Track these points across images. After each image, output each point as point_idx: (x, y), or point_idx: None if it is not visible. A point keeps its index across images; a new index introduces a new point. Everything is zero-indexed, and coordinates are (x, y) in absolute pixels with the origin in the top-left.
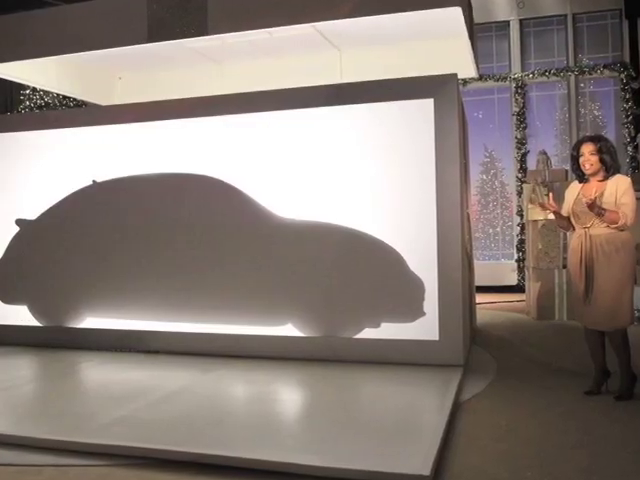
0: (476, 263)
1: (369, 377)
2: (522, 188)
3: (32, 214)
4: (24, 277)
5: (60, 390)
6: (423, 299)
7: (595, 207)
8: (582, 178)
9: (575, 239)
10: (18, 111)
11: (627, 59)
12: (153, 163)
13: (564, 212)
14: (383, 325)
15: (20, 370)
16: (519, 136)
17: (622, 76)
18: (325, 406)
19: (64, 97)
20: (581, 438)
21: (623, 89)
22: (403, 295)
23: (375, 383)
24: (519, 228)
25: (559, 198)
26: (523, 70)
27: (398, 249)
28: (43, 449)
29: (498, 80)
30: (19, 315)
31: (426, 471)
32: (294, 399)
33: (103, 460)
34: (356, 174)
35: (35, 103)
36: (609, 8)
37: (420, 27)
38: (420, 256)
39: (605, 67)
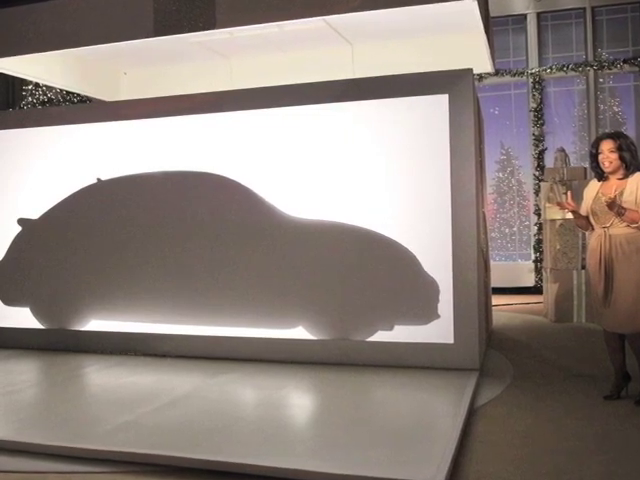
0: (492, 264)
1: (382, 381)
2: (539, 186)
3: (35, 213)
4: (26, 278)
5: (63, 395)
6: (438, 301)
7: (615, 206)
8: (601, 176)
9: (594, 239)
10: (20, 107)
11: None
12: (159, 161)
13: (583, 211)
14: (397, 328)
15: (22, 374)
16: (536, 133)
17: None
18: (337, 411)
19: (68, 93)
20: (600, 444)
21: None
22: (417, 297)
23: (388, 387)
24: (536, 228)
25: (578, 197)
26: (541, 65)
27: (412, 249)
28: (46, 455)
29: (515, 75)
30: (21, 317)
31: (440, 478)
32: (305, 404)
33: (108, 467)
34: (369, 172)
35: (38, 99)
36: (629, 1)
37: (435, 21)
38: (434, 256)
39: (625, 62)
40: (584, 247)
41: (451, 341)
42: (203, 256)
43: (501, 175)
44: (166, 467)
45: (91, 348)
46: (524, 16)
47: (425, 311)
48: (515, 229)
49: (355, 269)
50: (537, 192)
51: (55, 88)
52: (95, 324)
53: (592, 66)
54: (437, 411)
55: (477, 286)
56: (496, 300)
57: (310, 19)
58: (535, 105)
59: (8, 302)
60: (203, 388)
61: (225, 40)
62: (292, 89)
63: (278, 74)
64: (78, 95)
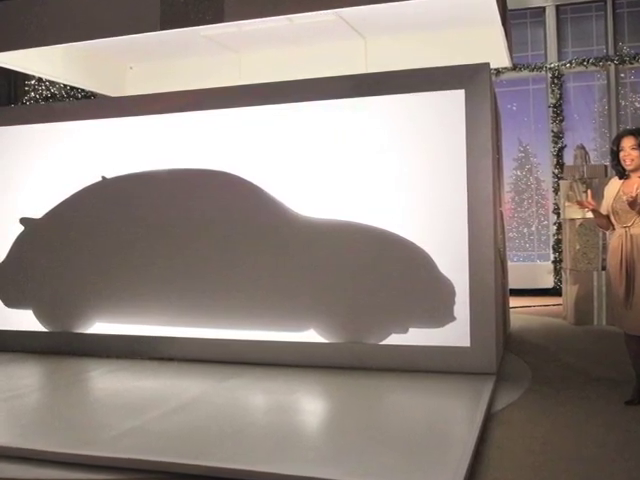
0: (510, 264)
1: (396, 386)
2: (559, 185)
3: (37, 212)
4: (29, 279)
5: (67, 400)
6: (453, 303)
7: (636, 205)
8: (622, 174)
9: (615, 239)
10: (23, 103)
11: None
12: (166, 158)
13: (603, 210)
14: (411, 330)
15: (24, 379)
16: (555, 129)
17: None
18: (349, 417)
19: (71, 88)
20: (621, 451)
21: None
22: (432, 299)
23: (402, 392)
24: (555, 227)
25: (598, 195)
26: (560, 59)
27: (427, 249)
28: (49, 462)
29: (533, 70)
30: (23, 320)
31: None
32: (316, 409)
33: (113, 474)
34: (382, 170)
35: (41, 94)
36: None
37: (450, 13)
38: (450, 257)
39: None
40: (605, 247)
41: (467, 344)
42: (211, 256)
43: (519, 173)
44: (173, 474)
45: (96, 351)
46: (543, 9)
47: (440, 313)
48: (533, 229)
49: (368, 270)
50: (556, 190)
51: (58, 83)
52: (100, 327)
53: (613, 60)
54: (453, 416)
55: (494, 287)
56: (514, 302)
57: (322, 12)
58: (554, 101)
59: (10, 304)
60: (211, 393)
61: (234, 34)
62: (303, 84)
63: (288, 69)
64: (82, 90)
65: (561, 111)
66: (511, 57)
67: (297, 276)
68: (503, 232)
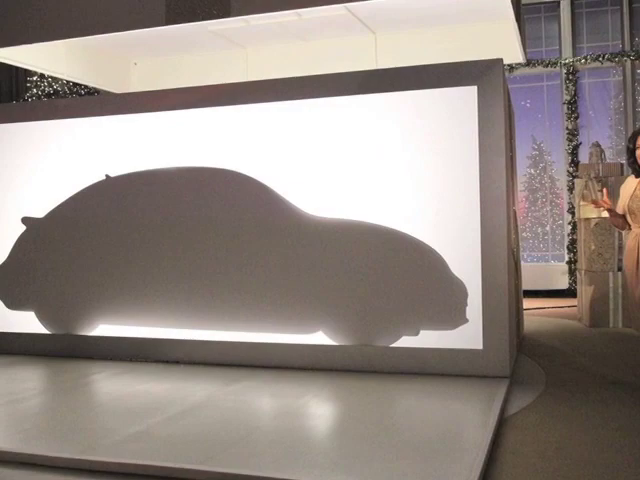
0: (523, 265)
1: (407, 389)
2: (573, 183)
3: (40, 212)
4: (31, 280)
5: (70, 404)
6: (466, 304)
7: None
8: (639, 172)
9: (631, 239)
10: (25, 99)
11: None
12: (172, 156)
13: (619, 209)
14: (422, 333)
15: (27, 382)
16: (570, 127)
17: None
18: (359, 421)
19: (75, 84)
20: (638, 456)
21: None
22: (444, 300)
23: (413, 396)
24: (570, 227)
25: (614, 194)
26: (575, 55)
27: (438, 250)
28: (52, 468)
29: (547, 66)
30: (25, 322)
31: None
32: (325, 413)
33: None
34: (392, 168)
35: (43, 91)
36: None
37: (462, 8)
38: (462, 257)
39: None
40: (620, 247)
41: (480, 347)
42: (218, 257)
43: (533, 171)
44: None
45: (100, 354)
46: (557, 3)
47: (452, 315)
48: (548, 228)
49: (378, 271)
50: (571, 189)
51: (61, 79)
52: (104, 329)
53: (629, 56)
54: (465, 421)
55: (507, 289)
56: (528, 303)
57: (331, 6)
58: (569, 97)
59: (12, 306)
60: (218, 397)
61: (241, 29)
62: (311, 80)
63: (297, 64)
64: (85, 87)
65: (576, 108)
66: (525, 53)
67: (306, 277)
68: (516, 232)
